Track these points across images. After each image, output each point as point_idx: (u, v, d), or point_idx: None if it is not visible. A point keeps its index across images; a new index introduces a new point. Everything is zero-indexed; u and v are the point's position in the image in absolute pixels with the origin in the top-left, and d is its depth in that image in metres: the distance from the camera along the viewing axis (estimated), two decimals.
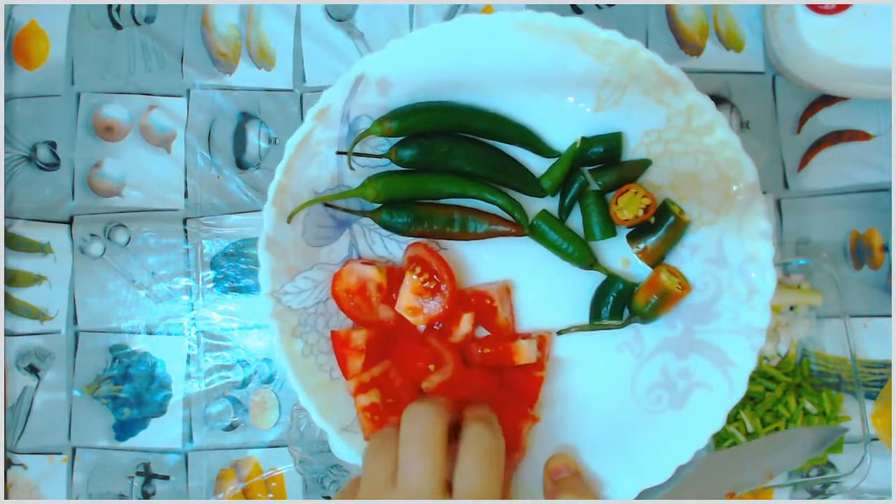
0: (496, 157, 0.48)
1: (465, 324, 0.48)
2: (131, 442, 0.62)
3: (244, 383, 0.62)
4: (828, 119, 0.61)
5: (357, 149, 0.47)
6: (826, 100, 0.61)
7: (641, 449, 0.47)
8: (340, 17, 0.64)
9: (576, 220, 0.48)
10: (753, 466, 0.53)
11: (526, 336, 0.49)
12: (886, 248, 0.60)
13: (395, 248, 0.50)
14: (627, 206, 0.45)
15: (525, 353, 0.47)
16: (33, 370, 0.63)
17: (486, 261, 0.50)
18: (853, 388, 0.58)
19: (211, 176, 0.63)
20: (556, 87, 0.45)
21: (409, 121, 0.46)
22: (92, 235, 0.63)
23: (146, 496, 0.62)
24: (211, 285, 0.63)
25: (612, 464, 0.47)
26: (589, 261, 0.47)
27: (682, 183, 0.46)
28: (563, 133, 0.47)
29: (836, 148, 0.61)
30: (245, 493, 0.62)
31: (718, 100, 0.61)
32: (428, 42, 0.44)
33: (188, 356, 0.63)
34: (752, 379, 0.46)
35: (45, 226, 0.64)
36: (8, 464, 0.63)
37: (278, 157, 0.62)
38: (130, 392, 0.63)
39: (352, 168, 0.47)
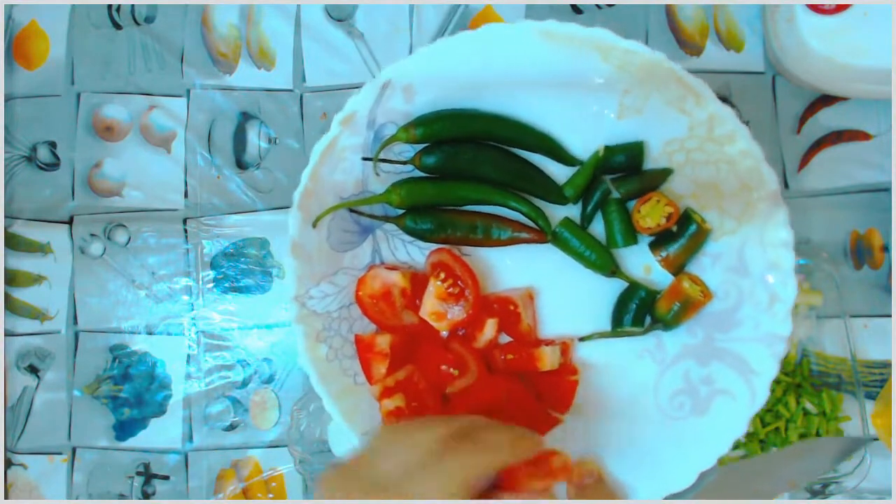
0: (519, 164, 0.48)
1: (490, 329, 0.48)
2: (131, 442, 0.62)
3: (244, 383, 0.62)
4: (828, 119, 0.61)
5: (382, 155, 0.47)
6: (826, 100, 0.61)
7: (664, 455, 0.47)
8: (340, 17, 0.64)
9: (598, 228, 0.49)
10: (776, 475, 0.53)
11: (549, 342, 0.49)
12: (886, 248, 0.60)
13: (417, 253, 0.50)
14: (650, 214, 0.46)
15: (548, 359, 0.47)
16: (33, 370, 0.63)
17: (509, 267, 0.50)
18: (853, 388, 0.58)
19: (211, 176, 0.63)
20: (579, 95, 0.46)
21: (434, 128, 0.46)
22: (92, 235, 0.63)
23: (146, 496, 0.62)
24: (211, 285, 0.63)
25: (634, 469, 0.47)
26: (611, 268, 0.48)
27: (703, 192, 0.46)
28: (585, 141, 0.48)
29: (836, 148, 0.61)
30: (245, 493, 0.62)
31: (719, 99, 0.61)
32: (453, 50, 0.44)
33: (188, 356, 0.63)
34: None
35: (45, 226, 0.64)
36: (8, 464, 0.63)
37: (278, 157, 0.63)
38: (130, 392, 0.63)
39: (377, 174, 0.48)
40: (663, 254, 0.47)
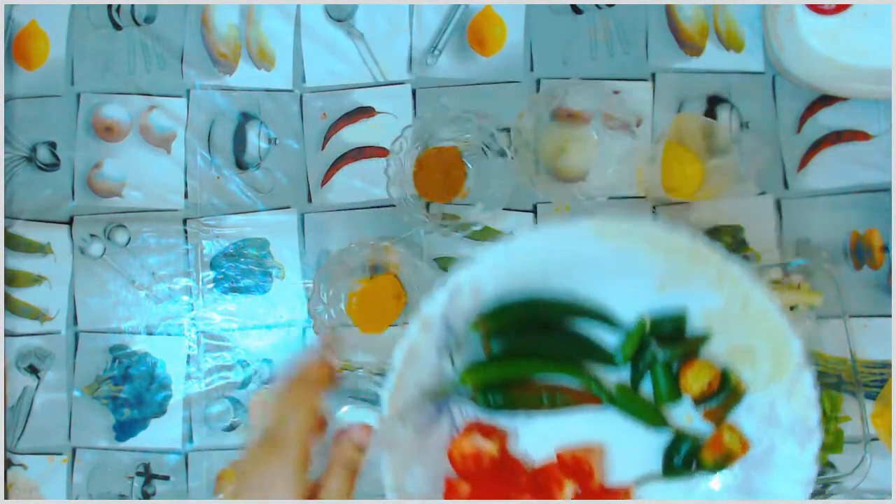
0: (576, 339, 0.53)
1: (568, 491, 0.52)
2: (131, 442, 0.62)
3: (244, 384, 0.62)
4: (828, 119, 0.61)
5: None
6: (826, 100, 0.61)
7: None
8: (340, 17, 0.64)
9: (646, 382, 0.53)
10: None
11: (612, 492, 0.52)
12: (886, 248, 0.60)
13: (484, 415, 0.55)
14: (696, 381, 0.51)
15: None
16: (33, 370, 0.63)
17: (570, 421, 0.54)
18: (853, 388, 0.58)
19: (211, 176, 0.63)
20: (626, 272, 0.51)
21: (502, 320, 0.52)
22: (92, 236, 0.63)
23: (146, 496, 0.62)
24: (211, 285, 0.63)
25: None
26: (661, 424, 0.53)
27: (739, 353, 0.50)
28: (632, 309, 0.52)
29: (836, 148, 0.61)
30: None
31: (718, 100, 0.61)
32: (515, 251, 0.49)
33: (188, 356, 0.63)
34: None
35: (45, 226, 0.64)
36: (8, 464, 0.63)
37: (278, 157, 0.63)
38: (130, 392, 0.63)
39: (454, 367, 0.52)
40: (705, 408, 0.51)
